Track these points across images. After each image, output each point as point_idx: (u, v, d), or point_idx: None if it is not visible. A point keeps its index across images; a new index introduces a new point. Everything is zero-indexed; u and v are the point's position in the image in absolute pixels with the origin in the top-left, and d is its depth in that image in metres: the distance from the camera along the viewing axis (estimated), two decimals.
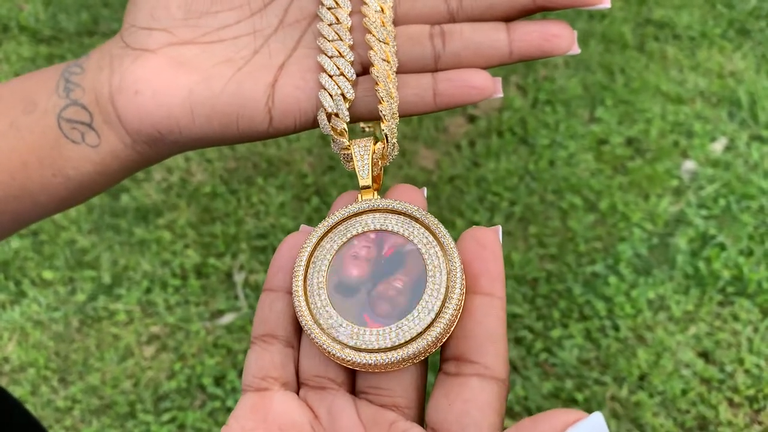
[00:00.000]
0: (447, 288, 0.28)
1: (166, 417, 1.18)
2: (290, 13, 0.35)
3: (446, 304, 0.28)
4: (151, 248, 1.40)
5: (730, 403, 1.16)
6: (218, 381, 1.23)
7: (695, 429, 1.14)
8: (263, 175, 1.53)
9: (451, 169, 1.51)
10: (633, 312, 1.27)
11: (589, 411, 1.19)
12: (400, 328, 0.28)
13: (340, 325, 0.28)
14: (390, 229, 0.30)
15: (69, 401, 1.21)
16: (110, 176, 0.36)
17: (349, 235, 0.30)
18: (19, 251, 1.40)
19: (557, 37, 0.31)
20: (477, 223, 1.41)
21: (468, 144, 1.57)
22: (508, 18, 0.33)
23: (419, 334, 0.27)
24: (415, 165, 1.52)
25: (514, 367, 1.22)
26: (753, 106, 1.59)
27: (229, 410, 1.19)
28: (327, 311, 0.28)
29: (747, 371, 1.19)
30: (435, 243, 0.29)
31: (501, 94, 0.33)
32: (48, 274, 1.37)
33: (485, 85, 0.32)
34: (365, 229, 0.30)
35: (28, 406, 1.20)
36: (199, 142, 0.34)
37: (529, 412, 1.17)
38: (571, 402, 1.17)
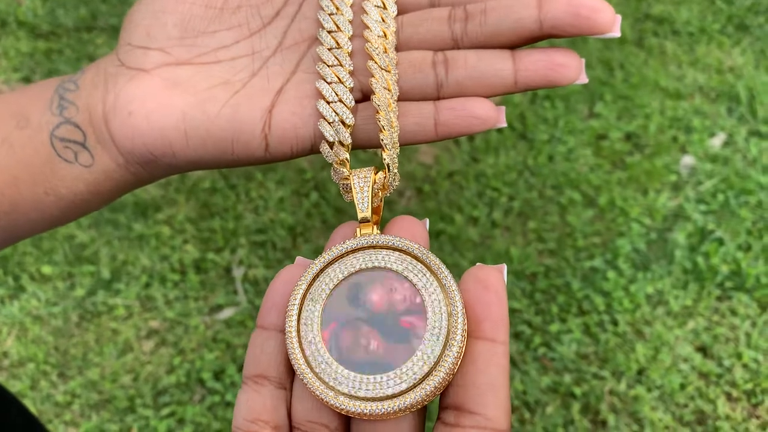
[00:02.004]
0: (448, 333, 0.26)
1: (165, 411, 1.19)
2: (290, 34, 0.34)
3: (447, 351, 0.26)
4: (150, 243, 1.40)
5: (728, 397, 1.16)
6: (217, 375, 1.23)
7: (693, 423, 1.14)
8: (262, 170, 1.53)
9: (450, 164, 1.52)
10: (631, 307, 1.27)
11: (589, 407, 1.19)
12: (397, 375, 0.26)
13: (335, 370, 0.27)
14: (388, 267, 0.28)
15: (68, 396, 1.21)
16: (103, 196, 0.36)
17: (346, 273, 0.28)
18: (17, 246, 1.40)
19: (564, 66, 0.31)
20: (476, 219, 1.41)
21: (467, 139, 1.57)
22: (514, 45, 0.32)
23: (417, 383, 0.26)
24: (414, 160, 1.52)
25: (513, 362, 1.22)
26: (752, 101, 1.59)
27: (228, 404, 1.20)
28: (321, 355, 0.27)
29: (745, 366, 1.19)
30: (436, 283, 0.27)
31: (504, 124, 0.32)
32: (47, 269, 1.37)
33: (488, 115, 0.31)
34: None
35: (28, 401, 1.20)
36: (194, 165, 0.34)
37: (528, 407, 1.17)
38: (569, 396, 1.18)
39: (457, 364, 0.26)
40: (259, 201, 1.47)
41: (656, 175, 1.46)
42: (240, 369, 1.24)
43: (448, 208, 1.43)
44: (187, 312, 1.31)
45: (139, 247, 1.40)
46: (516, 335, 1.26)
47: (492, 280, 0.27)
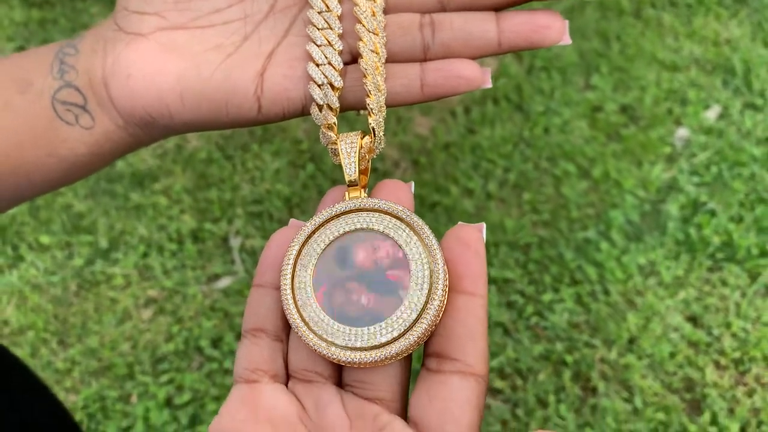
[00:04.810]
0: (430, 287, 0.28)
1: (164, 378, 1.21)
2: None
3: (429, 304, 0.28)
4: (147, 213, 1.41)
5: (717, 365, 1.19)
6: (215, 343, 1.25)
7: (682, 390, 1.16)
8: (258, 141, 1.53)
9: (446, 135, 1.52)
10: (623, 277, 1.29)
11: (580, 375, 1.21)
12: (384, 327, 0.28)
13: (326, 323, 0.29)
14: (373, 228, 0.30)
15: (68, 363, 1.23)
16: (103, 157, 0.37)
17: (337, 234, 0.30)
18: (15, 216, 1.41)
19: (546, 28, 0.31)
20: (471, 191, 1.42)
21: (463, 111, 1.57)
22: (498, 7, 0.33)
23: (402, 334, 0.28)
24: (410, 132, 1.53)
25: (505, 330, 1.24)
26: (747, 74, 1.59)
27: (226, 372, 1.22)
28: (314, 310, 0.29)
29: (734, 335, 1.21)
30: (419, 242, 0.29)
31: (489, 85, 0.33)
32: (45, 239, 1.38)
33: (473, 75, 0.32)
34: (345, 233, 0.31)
35: None
36: (190, 126, 0.35)
37: (521, 374, 1.19)
38: (561, 364, 1.20)
39: (438, 315, 0.28)
40: (256, 172, 1.48)
41: (651, 147, 1.47)
42: (238, 337, 1.25)
43: (444, 180, 1.44)
44: (185, 281, 1.32)
45: (137, 217, 1.41)
46: (509, 304, 1.27)
47: (472, 238, 0.29)
